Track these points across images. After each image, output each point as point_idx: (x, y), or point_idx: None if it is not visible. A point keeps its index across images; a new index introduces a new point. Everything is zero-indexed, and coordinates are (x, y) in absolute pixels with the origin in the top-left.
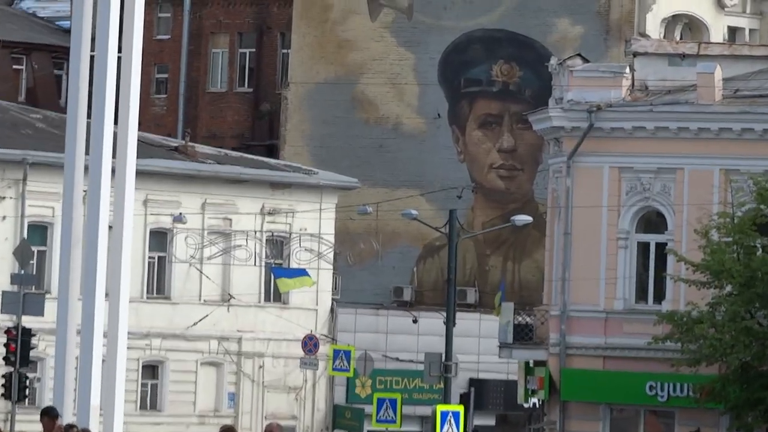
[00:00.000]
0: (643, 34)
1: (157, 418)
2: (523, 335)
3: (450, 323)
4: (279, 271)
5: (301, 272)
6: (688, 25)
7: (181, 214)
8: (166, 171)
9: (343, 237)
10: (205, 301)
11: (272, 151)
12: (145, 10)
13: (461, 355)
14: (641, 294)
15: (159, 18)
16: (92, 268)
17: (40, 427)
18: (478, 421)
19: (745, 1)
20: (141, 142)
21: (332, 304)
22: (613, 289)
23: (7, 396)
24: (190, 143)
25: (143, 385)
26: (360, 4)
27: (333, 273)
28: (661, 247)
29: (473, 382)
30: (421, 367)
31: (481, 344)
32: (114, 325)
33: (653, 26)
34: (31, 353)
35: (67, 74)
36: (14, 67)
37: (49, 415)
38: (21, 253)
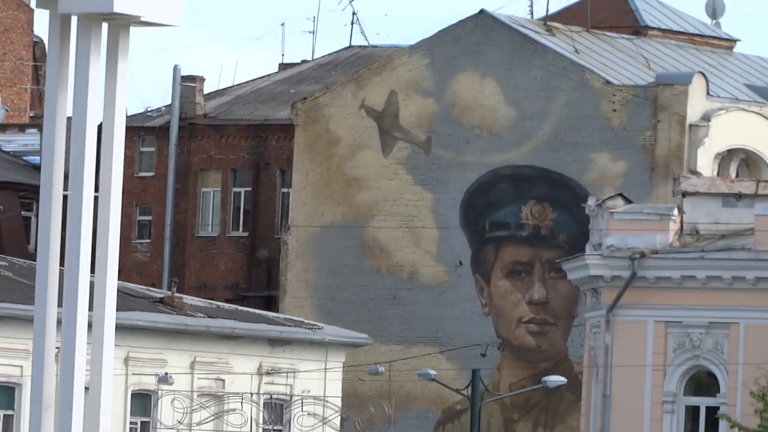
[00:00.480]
0: (694, 172)
1: None
2: None
3: None
4: None
5: None
6: (744, 161)
7: (167, 374)
8: (151, 326)
9: (352, 400)
10: None
11: (271, 304)
12: (126, 144)
13: None
14: None
15: (141, 152)
16: None
17: None
18: None
19: None
20: (121, 293)
21: None
22: None
23: None
24: (177, 294)
25: None
26: (371, 137)
27: None
28: (712, 411)
29: None
30: None
31: None
32: None
33: (705, 162)
34: None
35: (37, 216)
36: None
37: None
38: None
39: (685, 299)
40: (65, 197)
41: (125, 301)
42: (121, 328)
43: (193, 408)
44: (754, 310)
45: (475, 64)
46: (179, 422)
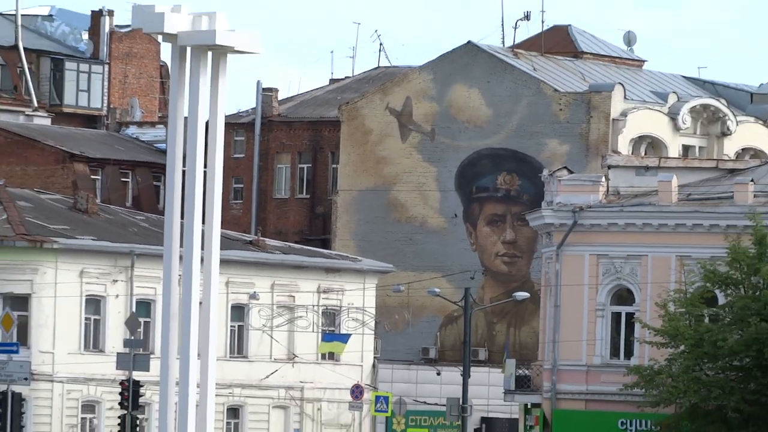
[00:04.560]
0: (616, 151)
1: None
2: (522, 384)
3: (466, 375)
4: (326, 337)
5: (341, 337)
6: (651, 143)
7: (255, 292)
8: (243, 259)
9: (382, 309)
10: (274, 359)
11: (326, 244)
12: (225, 135)
13: (474, 399)
14: (614, 352)
15: (236, 141)
16: (186, 334)
17: None
18: None
19: (696, 125)
20: (223, 238)
21: (374, 361)
22: (592, 348)
23: None
24: (261, 238)
25: (227, 423)
26: (393, 129)
27: (374, 337)
28: (629, 316)
29: (484, 419)
30: (443, 408)
31: (489, 391)
32: (204, 378)
33: (623, 145)
34: (140, 400)
35: (164, 185)
36: (122, 180)
37: None
38: (131, 323)
39: (610, 239)
40: (183, 172)
41: (226, 243)
42: (223, 261)
43: (273, 316)
44: (657, 246)
45: (465, 78)
46: (263, 326)
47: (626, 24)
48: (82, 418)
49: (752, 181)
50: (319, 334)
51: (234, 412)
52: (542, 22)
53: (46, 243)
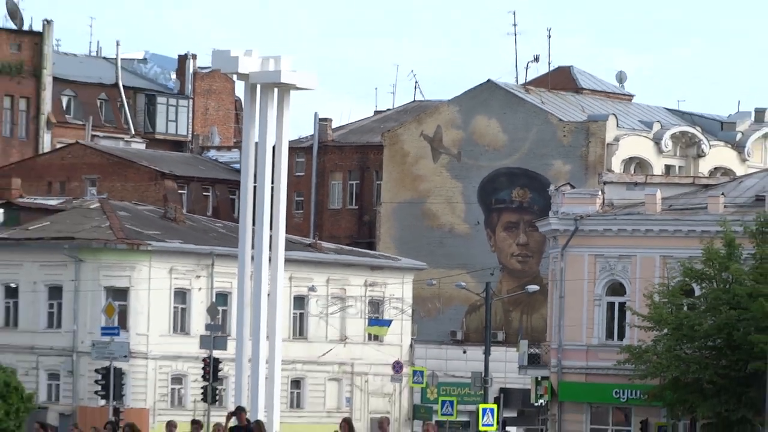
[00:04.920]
0: (610, 170)
1: (300, 414)
2: (534, 360)
3: (487, 353)
4: (371, 322)
5: (384, 323)
6: (639, 163)
7: (313, 286)
8: (304, 259)
9: (417, 300)
10: (329, 340)
11: (371, 246)
12: (288, 157)
13: (494, 373)
14: (609, 334)
15: (297, 162)
16: (257, 319)
17: (223, 419)
18: (506, 414)
19: (676, 148)
20: (287, 241)
21: (411, 341)
22: (591, 331)
23: (205, 400)
24: (318, 241)
25: (291, 393)
26: (426, 152)
27: (411, 322)
28: (622, 305)
29: (502, 389)
30: (469, 380)
31: (506, 366)
32: (272, 356)
33: (616, 165)
34: (219, 373)
35: (238, 198)
36: (204, 194)
37: (243, 411)
38: (211, 311)
39: (606, 242)
40: (255, 188)
41: (289, 246)
42: (287, 261)
43: (328, 305)
44: (644, 247)
45: (485, 110)
46: (320, 313)
47: (618, 65)
48: (172, 389)
49: (722, 194)
50: (366, 320)
51: (296, 383)
52: (549, 63)
53: (141, 246)
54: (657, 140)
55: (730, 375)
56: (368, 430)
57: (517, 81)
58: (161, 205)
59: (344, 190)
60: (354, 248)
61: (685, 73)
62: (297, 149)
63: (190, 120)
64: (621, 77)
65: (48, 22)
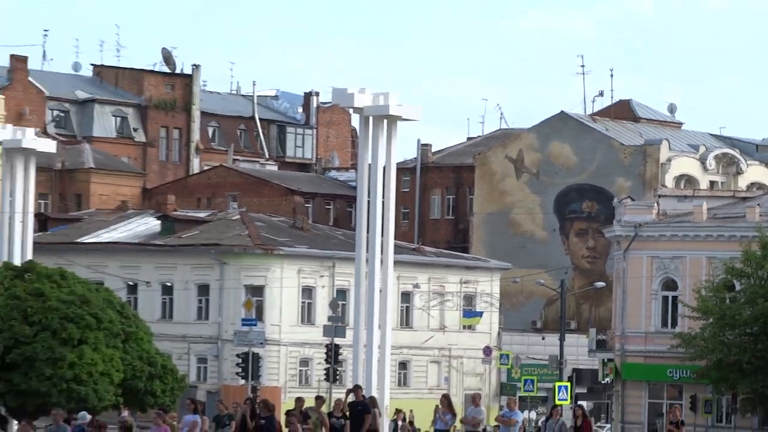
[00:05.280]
0: (663, 185)
1: (406, 391)
2: (601, 345)
3: (562, 339)
4: (466, 313)
5: (476, 314)
6: (687, 180)
7: (417, 284)
8: (409, 261)
9: (504, 294)
10: (431, 329)
11: (465, 250)
12: (395, 176)
13: (568, 356)
14: (664, 323)
15: (403, 180)
16: (371, 311)
17: (343, 395)
18: (578, 390)
19: (719, 166)
20: (395, 246)
21: (499, 330)
22: (649, 320)
23: (327, 380)
24: (421, 246)
25: (399, 373)
26: (510, 171)
27: (498, 314)
28: (674, 298)
29: (575, 370)
30: (547, 362)
31: (578, 350)
32: (383, 342)
33: (669, 181)
34: (339, 357)
35: (355, 210)
36: (326, 207)
37: (360, 388)
38: (333, 305)
39: (661, 246)
40: (368, 202)
41: (397, 250)
42: (395, 263)
43: (429, 299)
44: (693, 250)
45: (559, 136)
46: (424, 305)
47: (670, 98)
48: (299, 370)
49: (758, 205)
50: (461, 312)
51: (403, 365)
52: (611, 97)
53: (275, 250)
54: (702, 160)
55: (765, 357)
56: (463, 404)
57: (585, 112)
58: (291, 217)
59: (442, 204)
60: (451, 252)
61: (726, 103)
62: (403, 169)
63: (314, 146)
64: (672, 108)
65: (196, 67)
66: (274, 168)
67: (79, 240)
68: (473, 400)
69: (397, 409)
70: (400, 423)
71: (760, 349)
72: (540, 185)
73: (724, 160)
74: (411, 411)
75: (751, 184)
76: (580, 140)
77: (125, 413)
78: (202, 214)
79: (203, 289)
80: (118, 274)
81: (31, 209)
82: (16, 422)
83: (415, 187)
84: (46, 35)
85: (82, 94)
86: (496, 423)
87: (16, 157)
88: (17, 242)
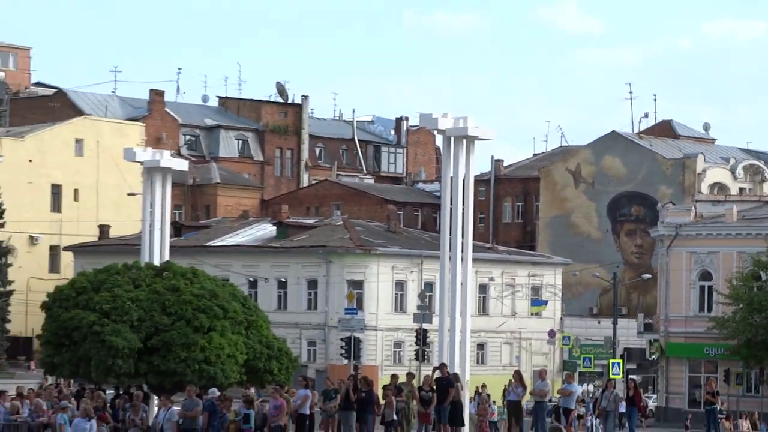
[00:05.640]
0: (700, 192)
1: (484, 368)
2: (648, 328)
3: (615, 323)
4: (533, 302)
5: (542, 302)
6: (720, 187)
7: (492, 277)
8: (485, 258)
9: (565, 286)
10: (503, 315)
11: (533, 248)
12: (473, 187)
13: (620, 337)
14: (701, 308)
15: (479, 190)
16: (453, 301)
17: (430, 372)
18: (628, 366)
19: (747, 175)
20: (473, 246)
21: (561, 315)
22: (688, 306)
23: (417, 359)
24: (495, 245)
25: (477, 353)
26: (570, 181)
27: (561, 302)
28: (710, 287)
29: (626, 349)
30: (602, 342)
31: (629, 332)
32: (464, 327)
33: (705, 188)
34: (427, 340)
35: (440, 216)
36: (414, 213)
37: (445, 366)
38: (421, 296)
39: (698, 243)
40: (450, 209)
41: (475, 249)
42: (474, 260)
43: (503, 290)
44: (726, 246)
45: (611, 152)
46: (498, 296)
47: (704, 117)
48: (394, 351)
49: None
50: (529, 301)
51: (481, 346)
52: (655, 118)
53: (372, 251)
54: (733, 170)
55: None
56: (532, 379)
57: (633, 131)
58: (385, 222)
59: (513, 209)
60: (520, 250)
61: (752, 122)
62: (479, 181)
63: (405, 162)
64: (706, 127)
65: (305, 97)
66: (371, 181)
67: (207, 244)
68: (540, 375)
69: (483, 384)
70: (483, 394)
71: None
72: (595, 193)
73: (751, 170)
74: (484, 385)
75: None
76: (629, 155)
77: (252, 390)
78: (310, 221)
79: (312, 284)
80: (241, 272)
81: (168, 218)
82: (156, 397)
83: (490, 196)
84: (179, 72)
85: (209, 122)
86: (558, 394)
87: (155, 175)
88: (156, 246)
